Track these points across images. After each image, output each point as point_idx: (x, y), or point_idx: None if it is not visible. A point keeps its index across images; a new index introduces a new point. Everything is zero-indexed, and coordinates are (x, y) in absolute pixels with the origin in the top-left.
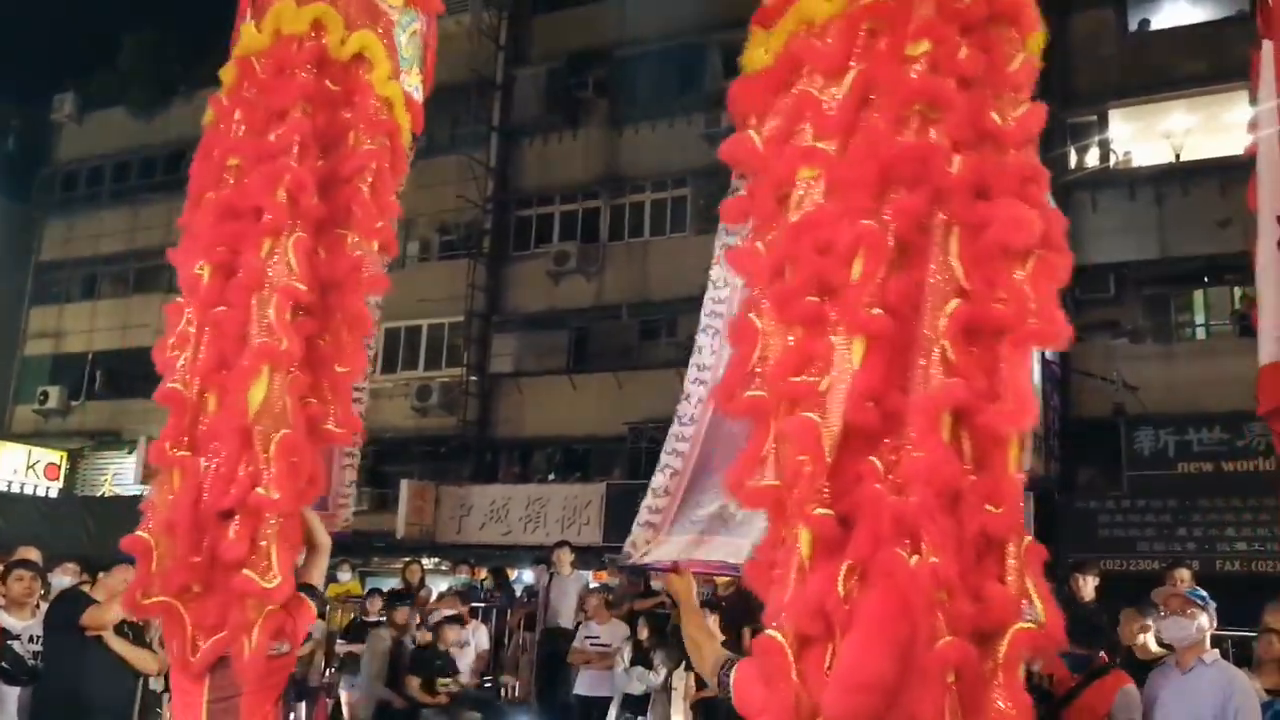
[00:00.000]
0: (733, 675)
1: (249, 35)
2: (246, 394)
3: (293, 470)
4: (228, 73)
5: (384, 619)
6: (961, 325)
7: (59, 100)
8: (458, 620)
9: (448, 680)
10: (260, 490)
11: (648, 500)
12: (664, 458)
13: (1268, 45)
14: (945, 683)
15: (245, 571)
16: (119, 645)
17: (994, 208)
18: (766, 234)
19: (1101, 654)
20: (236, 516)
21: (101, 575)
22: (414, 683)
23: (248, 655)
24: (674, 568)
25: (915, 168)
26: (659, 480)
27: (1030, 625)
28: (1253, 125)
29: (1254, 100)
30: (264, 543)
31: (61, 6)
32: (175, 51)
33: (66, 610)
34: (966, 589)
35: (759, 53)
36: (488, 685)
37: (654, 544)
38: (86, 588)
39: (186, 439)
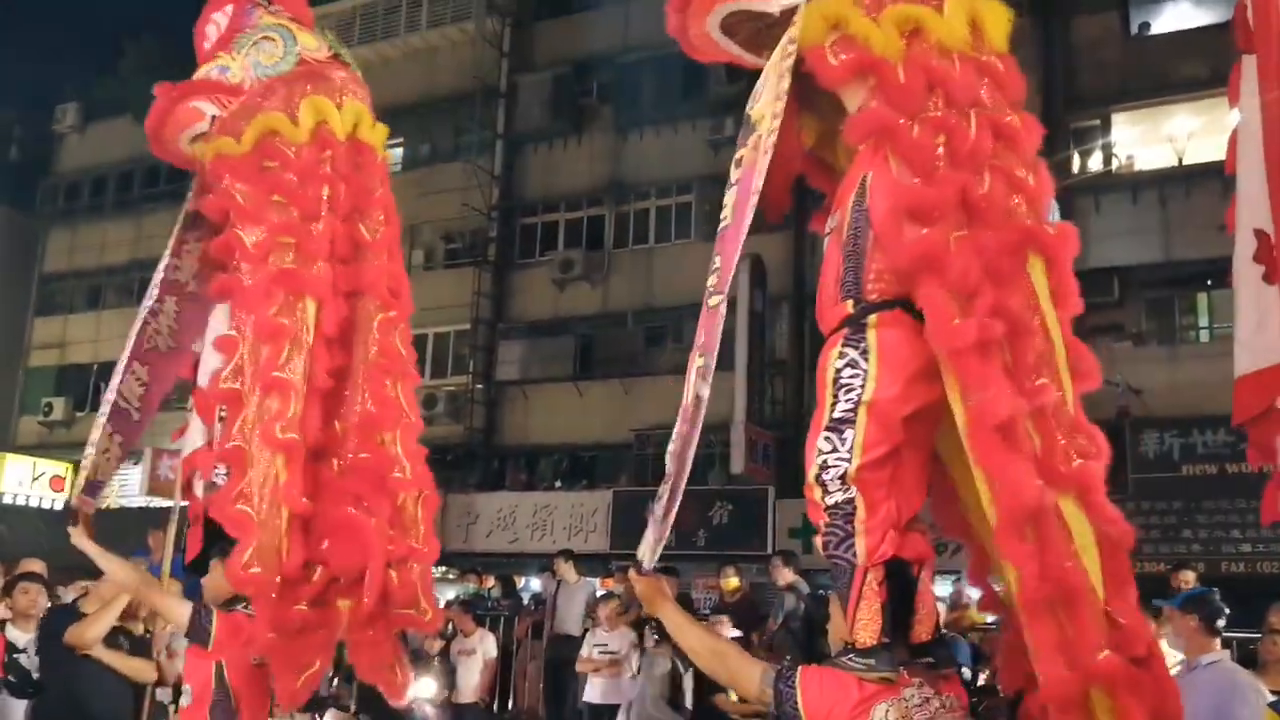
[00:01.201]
0: (799, 684)
1: (320, 109)
2: (402, 458)
3: (433, 526)
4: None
5: None
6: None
7: (61, 110)
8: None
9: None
10: (414, 544)
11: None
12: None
13: (1248, 60)
14: None
15: (411, 611)
16: (109, 657)
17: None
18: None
19: None
20: (396, 564)
21: (91, 585)
22: (723, 699)
23: (399, 684)
24: (637, 569)
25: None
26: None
27: None
28: (1231, 141)
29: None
30: (416, 586)
31: (63, 17)
32: (177, 60)
33: (58, 626)
34: None
35: (870, 26)
36: None
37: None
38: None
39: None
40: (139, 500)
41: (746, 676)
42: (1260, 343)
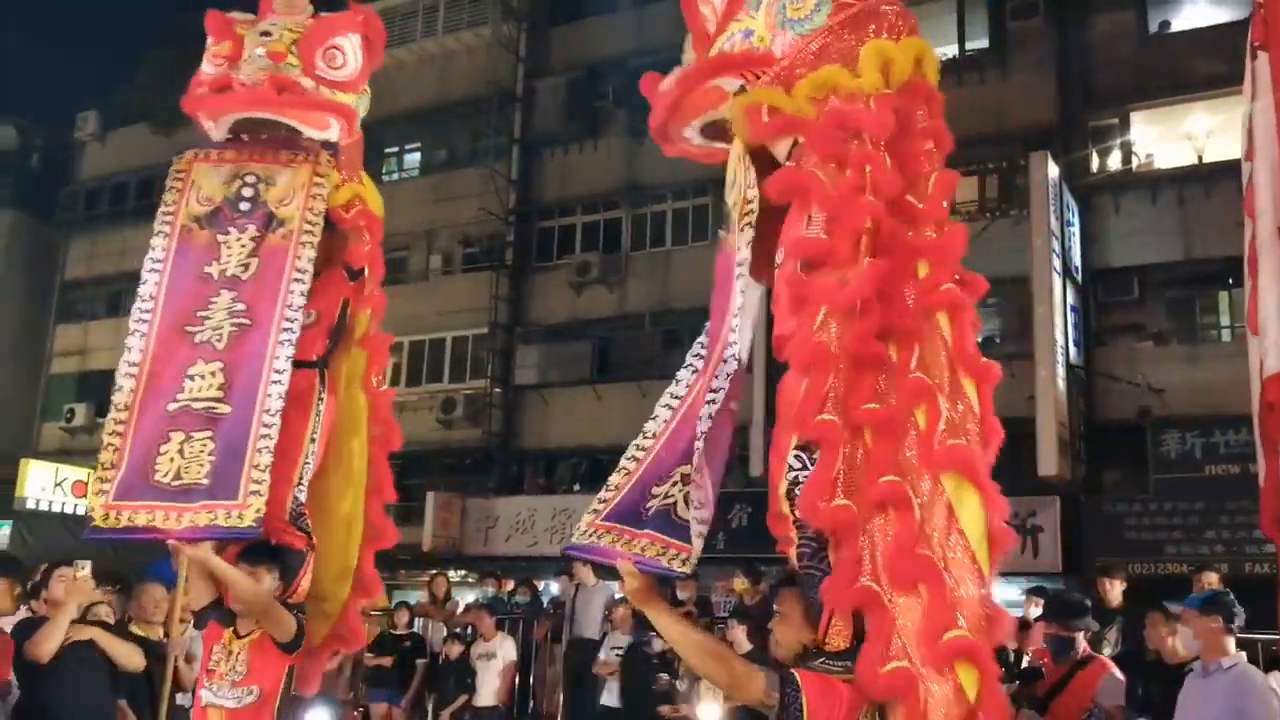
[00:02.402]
0: (802, 687)
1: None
2: None
3: None
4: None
5: (412, 632)
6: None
7: (81, 119)
8: None
9: None
10: None
11: (600, 494)
12: (622, 462)
13: (1263, 56)
14: None
15: None
16: (100, 636)
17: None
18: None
19: (1084, 644)
20: None
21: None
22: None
23: None
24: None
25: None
26: (612, 479)
27: None
28: (1248, 135)
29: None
30: None
31: (83, 26)
32: (195, 66)
33: (21, 640)
34: None
35: (779, 96)
36: None
37: (592, 530)
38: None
39: None
40: None
41: (750, 678)
42: None
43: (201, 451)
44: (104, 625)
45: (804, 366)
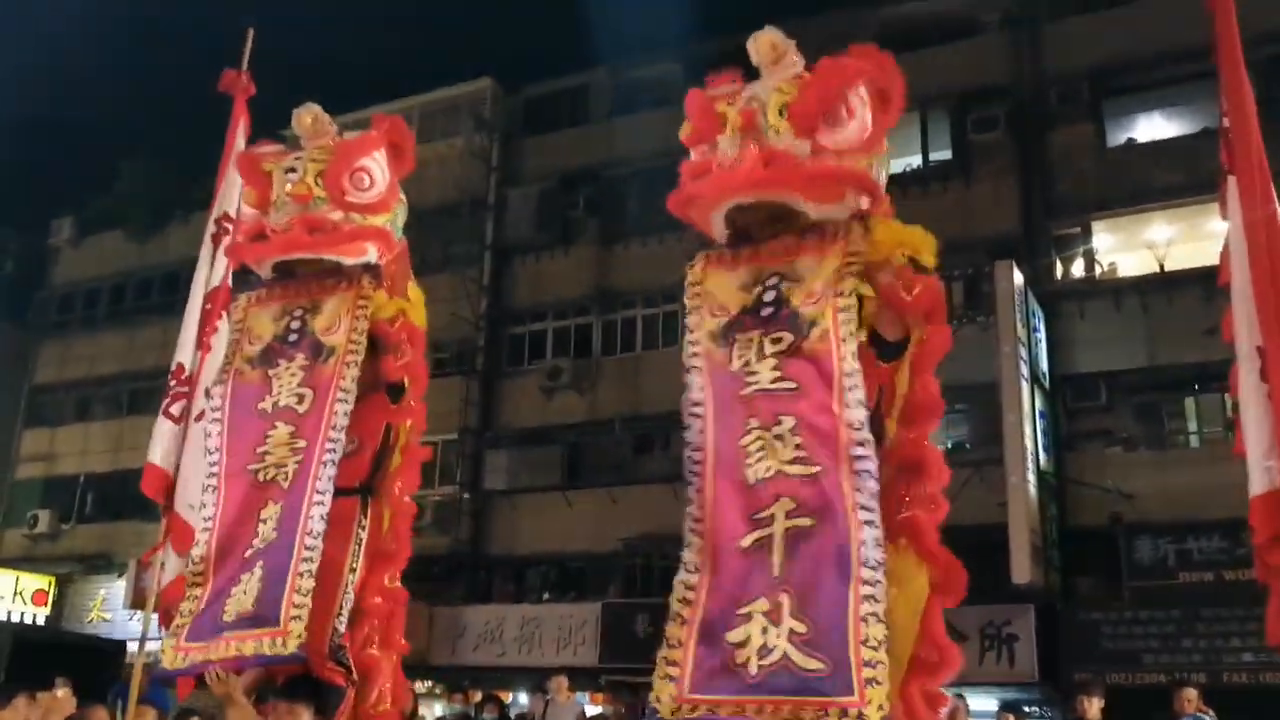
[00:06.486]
0: None
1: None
2: None
3: None
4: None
5: None
6: None
7: (57, 225)
8: None
9: None
10: None
11: (663, 652)
12: (674, 608)
13: (1232, 180)
14: None
15: None
16: None
17: None
18: None
19: None
20: None
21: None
22: None
23: None
24: None
25: None
26: (670, 631)
27: None
28: (1223, 258)
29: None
30: None
31: (59, 134)
32: (171, 176)
33: None
34: None
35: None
36: None
37: (688, 707)
38: None
39: None
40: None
41: None
42: (1274, 464)
43: (250, 579)
44: None
45: None
